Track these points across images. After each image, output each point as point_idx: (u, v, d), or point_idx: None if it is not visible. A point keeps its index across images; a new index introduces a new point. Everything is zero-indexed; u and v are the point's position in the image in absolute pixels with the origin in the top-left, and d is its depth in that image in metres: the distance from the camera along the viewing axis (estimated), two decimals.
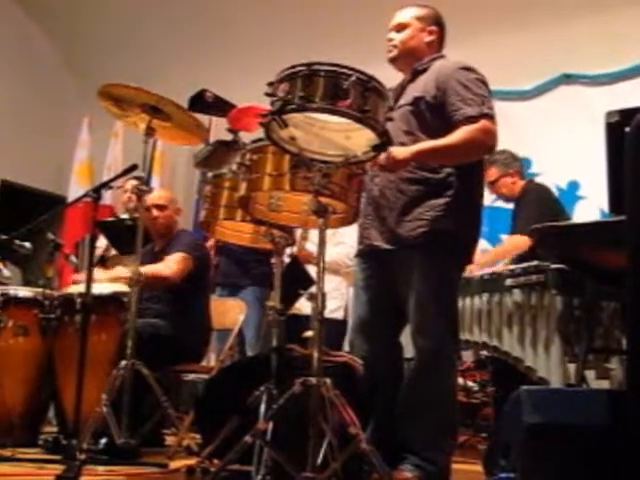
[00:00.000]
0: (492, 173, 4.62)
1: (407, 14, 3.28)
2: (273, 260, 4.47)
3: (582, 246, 2.40)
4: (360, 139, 2.55)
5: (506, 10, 6.20)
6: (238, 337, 4.82)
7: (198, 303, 4.52)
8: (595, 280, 3.36)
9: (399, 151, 2.86)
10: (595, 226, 2.68)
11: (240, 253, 5.44)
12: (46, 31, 8.77)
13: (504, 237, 5.18)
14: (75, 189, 8.04)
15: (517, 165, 4.76)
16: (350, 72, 2.42)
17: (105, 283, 4.31)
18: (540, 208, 4.44)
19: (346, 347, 5.06)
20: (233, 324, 4.65)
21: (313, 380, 2.46)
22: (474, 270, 4.09)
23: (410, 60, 3.23)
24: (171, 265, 4.35)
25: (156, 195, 4.57)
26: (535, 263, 3.74)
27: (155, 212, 4.53)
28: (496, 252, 4.70)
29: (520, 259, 4.16)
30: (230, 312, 4.79)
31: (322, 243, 2.60)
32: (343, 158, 2.61)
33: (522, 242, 4.27)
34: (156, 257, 4.48)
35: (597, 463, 2.24)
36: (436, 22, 3.29)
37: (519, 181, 4.72)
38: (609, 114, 2.42)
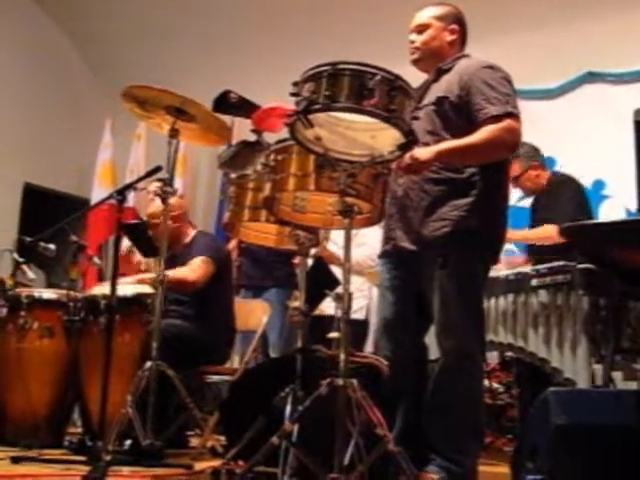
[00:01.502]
0: (515, 168, 4.54)
1: (426, 14, 3.24)
2: (295, 261, 4.49)
3: (611, 245, 2.38)
4: (386, 138, 2.53)
5: (530, 8, 6.16)
6: (261, 338, 4.82)
7: (221, 304, 4.51)
8: (623, 280, 3.33)
9: (421, 152, 2.84)
10: (625, 224, 2.64)
11: (262, 254, 5.45)
12: (68, 33, 8.82)
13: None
14: (97, 191, 8.07)
15: (539, 158, 4.71)
16: (375, 71, 2.41)
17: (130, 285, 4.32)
18: (576, 200, 4.42)
19: (368, 347, 5.07)
20: (257, 325, 4.65)
21: (340, 381, 2.45)
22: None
23: (433, 61, 3.21)
24: (194, 269, 4.35)
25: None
26: (561, 263, 3.71)
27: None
28: (526, 235, 4.61)
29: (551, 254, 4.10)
30: (254, 313, 4.79)
31: (348, 243, 2.58)
32: (369, 158, 2.59)
33: (555, 233, 4.22)
34: (174, 262, 4.47)
35: (625, 463, 2.23)
36: (456, 20, 3.26)
37: (543, 173, 4.68)
38: (637, 112, 2.40)
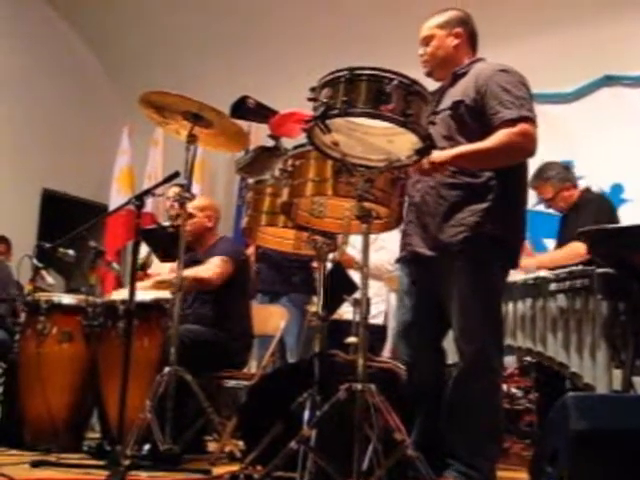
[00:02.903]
0: (548, 191, 4.62)
1: (429, 25, 3.26)
2: (314, 266, 4.49)
3: (630, 249, 2.36)
4: (403, 143, 2.53)
5: (546, 12, 6.15)
6: (279, 343, 4.82)
7: (239, 309, 4.52)
8: None
9: (437, 155, 2.84)
10: None
11: (280, 260, 5.45)
12: (86, 40, 8.88)
13: (547, 241, 5.12)
14: (116, 197, 8.13)
15: (571, 176, 4.72)
16: (392, 76, 2.41)
17: (150, 289, 4.34)
18: (600, 217, 4.39)
19: (386, 353, 5.06)
20: (274, 330, 4.65)
21: (358, 386, 2.45)
22: (527, 266, 4.08)
23: (445, 69, 3.22)
24: (211, 268, 4.35)
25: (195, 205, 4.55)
26: (580, 267, 3.69)
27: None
28: (553, 257, 4.57)
29: None
30: (271, 318, 4.80)
31: (366, 248, 2.58)
32: (386, 162, 2.59)
33: (583, 250, 4.20)
34: (196, 265, 4.49)
35: None
36: (460, 23, 3.25)
37: (575, 191, 4.67)
38: None
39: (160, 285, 4.33)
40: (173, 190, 4.69)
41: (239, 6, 7.56)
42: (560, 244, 4.56)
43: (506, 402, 4.90)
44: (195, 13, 7.82)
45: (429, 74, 3.25)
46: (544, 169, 4.63)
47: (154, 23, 8.13)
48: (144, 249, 4.57)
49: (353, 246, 4.69)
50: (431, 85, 2.75)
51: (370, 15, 6.88)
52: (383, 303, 5.18)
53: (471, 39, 3.27)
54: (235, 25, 7.67)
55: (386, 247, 4.79)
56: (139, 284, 4.40)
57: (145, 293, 4.24)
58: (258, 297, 5.58)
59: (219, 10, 7.65)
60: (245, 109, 3.04)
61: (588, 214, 4.46)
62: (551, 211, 4.76)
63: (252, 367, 5.27)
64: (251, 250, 5.62)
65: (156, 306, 4.22)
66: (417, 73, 2.52)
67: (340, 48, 6.36)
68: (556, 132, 5.14)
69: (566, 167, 4.67)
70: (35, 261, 4.82)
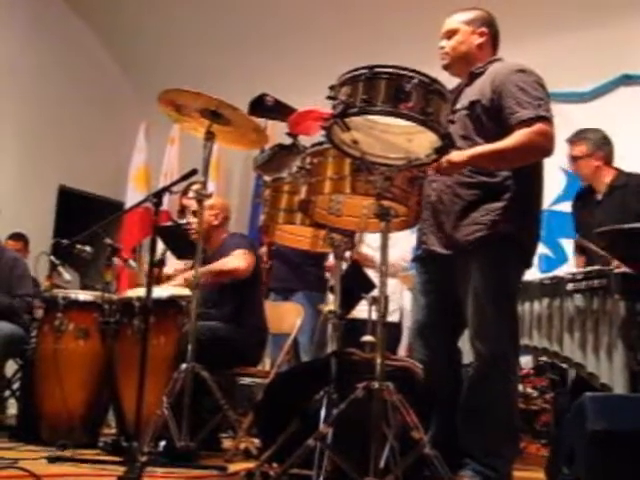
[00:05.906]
0: (580, 149, 4.44)
1: (455, 20, 3.26)
2: (327, 264, 4.49)
3: None
4: (422, 142, 2.54)
5: (564, 11, 6.12)
6: (293, 342, 4.82)
7: (253, 306, 4.53)
8: None
9: (455, 154, 2.84)
10: None
11: (293, 257, 5.45)
12: (102, 38, 8.90)
13: (564, 242, 5.08)
14: (132, 195, 8.15)
15: (607, 149, 4.48)
16: (412, 74, 2.42)
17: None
18: None
19: (401, 351, 5.06)
20: (290, 328, 4.65)
21: (376, 384, 2.45)
22: None
23: (463, 65, 3.22)
24: (237, 257, 4.37)
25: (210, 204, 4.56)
26: (597, 267, 3.68)
27: (190, 217, 4.53)
28: None
29: None
30: (287, 316, 4.80)
31: (385, 246, 2.59)
32: (405, 161, 2.60)
33: None
34: (206, 264, 4.50)
35: None
36: (485, 23, 3.25)
37: (606, 168, 4.45)
38: None
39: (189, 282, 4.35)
40: (197, 186, 4.68)
41: (255, 2, 7.55)
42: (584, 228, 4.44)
43: (522, 402, 4.88)
44: (211, 9, 7.81)
45: (446, 67, 3.25)
46: (587, 130, 4.50)
47: (170, 20, 8.14)
48: (160, 246, 4.59)
49: (367, 244, 4.69)
50: (450, 83, 2.74)
51: (384, 12, 6.87)
52: (397, 301, 5.16)
53: (494, 41, 3.27)
54: (251, 21, 7.67)
55: (398, 244, 4.77)
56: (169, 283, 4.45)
57: (162, 290, 4.25)
58: (271, 295, 5.58)
59: (235, 6, 7.65)
60: (263, 107, 3.04)
61: None
62: (569, 210, 4.70)
63: (266, 364, 5.28)
64: (264, 250, 5.63)
65: (172, 303, 4.23)
66: (430, 72, 2.51)
67: (355, 45, 6.35)
68: (574, 131, 5.10)
69: (606, 137, 4.49)
70: (52, 258, 4.85)
